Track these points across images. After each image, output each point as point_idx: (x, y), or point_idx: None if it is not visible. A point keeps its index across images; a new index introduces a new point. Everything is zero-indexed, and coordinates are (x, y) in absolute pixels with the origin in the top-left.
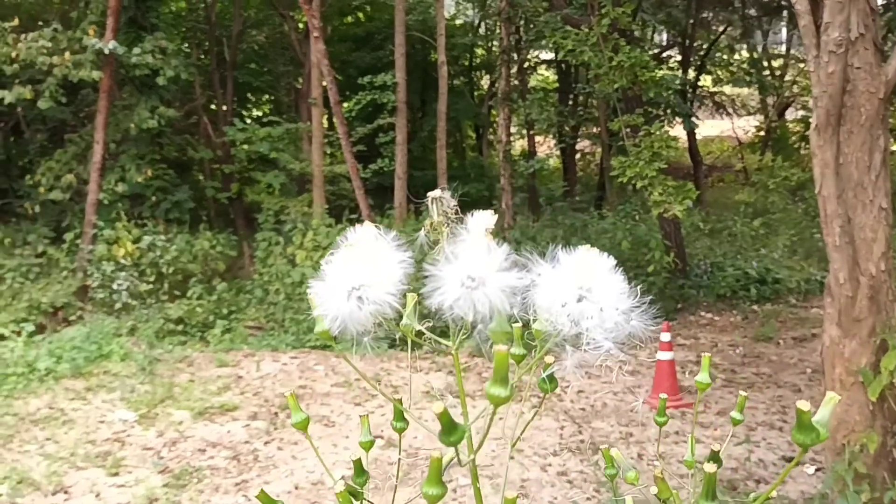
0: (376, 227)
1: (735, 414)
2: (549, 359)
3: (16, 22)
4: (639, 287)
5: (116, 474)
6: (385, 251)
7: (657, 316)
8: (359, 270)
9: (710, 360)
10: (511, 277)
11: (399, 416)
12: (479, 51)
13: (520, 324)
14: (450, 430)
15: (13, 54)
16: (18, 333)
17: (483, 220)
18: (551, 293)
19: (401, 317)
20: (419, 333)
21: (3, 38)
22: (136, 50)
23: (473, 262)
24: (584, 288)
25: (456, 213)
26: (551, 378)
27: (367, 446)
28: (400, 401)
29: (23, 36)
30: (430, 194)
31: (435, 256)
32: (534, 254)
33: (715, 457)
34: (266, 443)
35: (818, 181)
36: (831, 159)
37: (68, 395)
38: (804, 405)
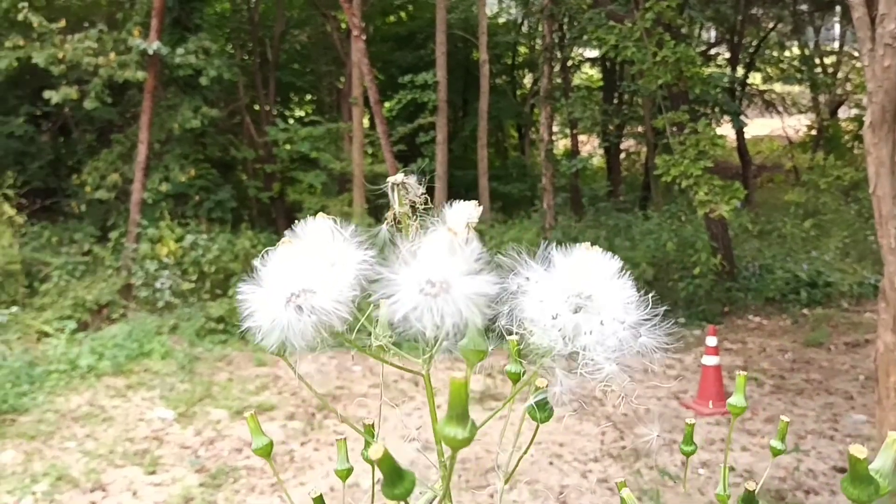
0: (332, 219)
1: (775, 443)
2: (541, 382)
3: (63, 23)
4: (682, 289)
5: (154, 473)
6: (338, 249)
7: (702, 321)
8: (299, 273)
9: (745, 381)
10: (481, 282)
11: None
12: (522, 49)
13: (514, 336)
14: (393, 479)
15: (60, 55)
16: (62, 331)
17: (464, 211)
18: (541, 302)
19: (354, 328)
20: (381, 349)
21: (51, 40)
22: (180, 50)
23: (434, 263)
24: (581, 296)
25: (425, 202)
26: (543, 406)
27: (344, 475)
28: (371, 427)
29: (69, 37)
30: (390, 179)
31: (393, 256)
32: (522, 254)
33: (750, 498)
34: (303, 443)
35: (873, 180)
36: (887, 158)
37: (109, 393)
38: (860, 451)
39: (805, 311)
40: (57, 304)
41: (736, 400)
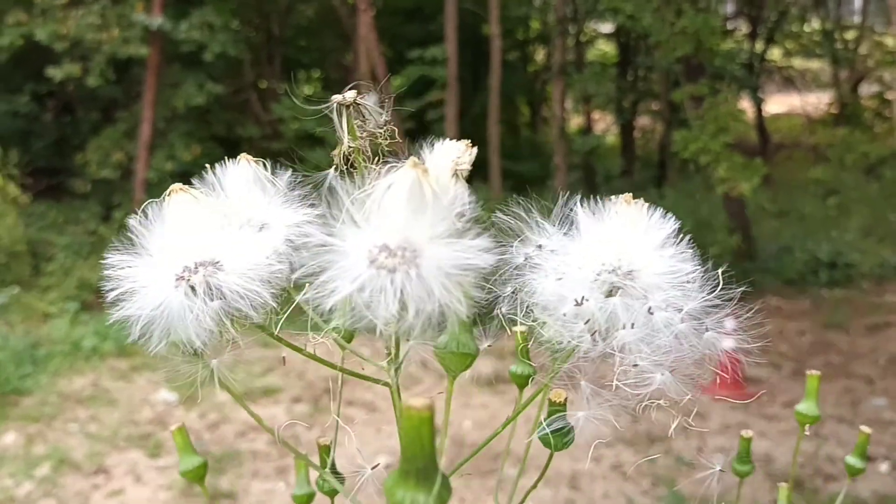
0: (259, 161)
1: (852, 460)
2: (557, 395)
3: None
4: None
5: (157, 456)
6: (266, 206)
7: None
8: (199, 238)
9: (818, 383)
10: (467, 250)
11: (303, 480)
12: (535, 24)
13: (521, 328)
14: None
15: (63, 31)
16: (66, 312)
17: (451, 153)
18: (560, 280)
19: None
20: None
21: (53, 15)
22: (184, 25)
23: (393, 220)
24: (619, 271)
25: (392, 135)
26: (559, 429)
27: (303, 501)
28: (326, 447)
29: (72, 12)
30: (335, 98)
31: (335, 211)
32: (532, 212)
33: None
34: (308, 427)
35: None
36: None
37: (112, 375)
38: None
39: (824, 292)
40: (61, 285)
41: (806, 407)
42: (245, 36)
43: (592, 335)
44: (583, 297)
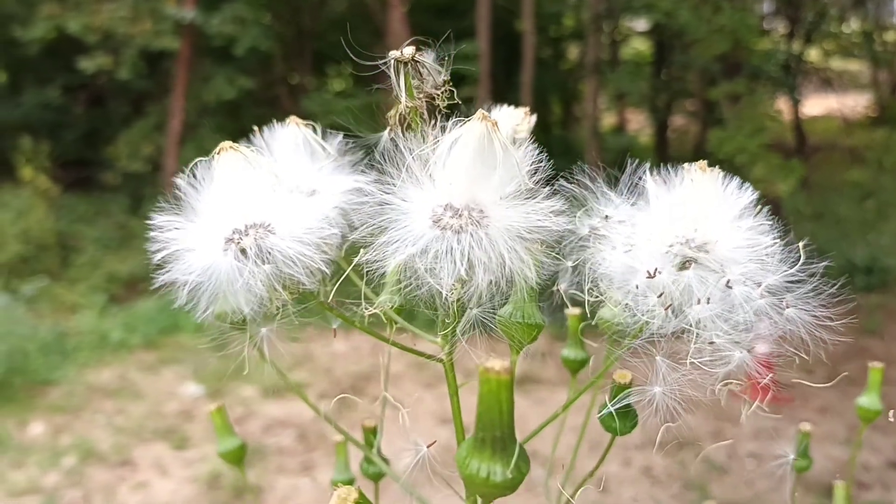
0: (308, 125)
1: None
2: (622, 375)
3: None
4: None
5: (182, 449)
6: (316, 171)
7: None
8: (249, 200)
9: (881, 376)
10: (537, 211)
11: (342, 465)
12: (568, 21)
13: (575, 310)
14: None
15: (95, 24)
16: (95, 304)
17: (508, 119)
18: (630, 253)
19: (334, 285)
20: (375, 317)
21: (86, 8)
22: (215, 20)
23: (460, 179)
24: (692, 244)
25: (450, 95)
26: (624, 412)
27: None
28: (373, 430)
29: (104, 5)
30: (393, 54)
31: (396, 170)
32: (598, 180)
33: None
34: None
35: None
36: None
37: (139, 367)
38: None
39: (859, 297)
40: (90, 277)
41: (869, 401)
42: (276, 30)
43: (666, 309)
44: (655, 270)
